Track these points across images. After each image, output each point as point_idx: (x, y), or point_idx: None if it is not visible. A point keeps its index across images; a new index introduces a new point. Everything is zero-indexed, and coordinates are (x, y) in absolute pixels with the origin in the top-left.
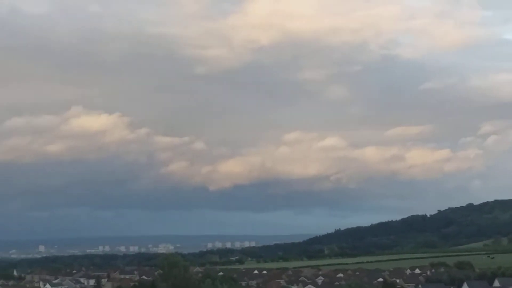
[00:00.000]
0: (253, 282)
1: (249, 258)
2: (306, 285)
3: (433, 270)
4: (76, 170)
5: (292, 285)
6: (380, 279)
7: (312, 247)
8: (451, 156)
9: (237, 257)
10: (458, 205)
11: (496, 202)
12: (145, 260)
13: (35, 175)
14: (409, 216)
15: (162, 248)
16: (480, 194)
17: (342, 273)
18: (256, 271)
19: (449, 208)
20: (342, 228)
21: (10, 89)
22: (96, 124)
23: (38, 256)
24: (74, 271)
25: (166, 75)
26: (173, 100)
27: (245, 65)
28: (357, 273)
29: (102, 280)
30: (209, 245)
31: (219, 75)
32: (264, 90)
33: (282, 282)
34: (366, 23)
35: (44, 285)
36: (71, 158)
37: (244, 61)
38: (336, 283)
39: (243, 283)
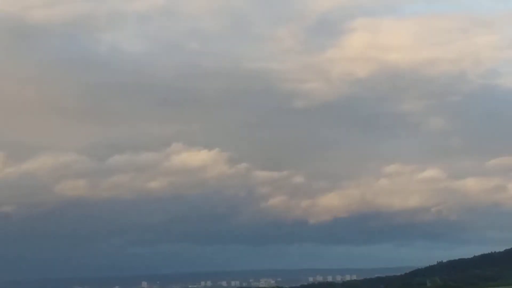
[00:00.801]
0: None
1: None
2: None
3: None
4: (177, 206)
5: None
6: None
7: (414, 280)
8: None
9: None
10: None
11: None
12: None
13: (137, 212)
14: None
15: (263, 283)
16: None
17: None
18: None
19: None
20: (444, 260)
21: (111, 127)
22: (196, 160)
23: None
24: None
25: (264, 109)
26: (272, 134)
27: (343, 98)
28: None
29: None
30: (310, 279)
31: (317, 108)
32: (362, 123)
33: None
34: (464, 53)
35: None
36: (172, 194)
37: (342, 94)
38: None
39: None
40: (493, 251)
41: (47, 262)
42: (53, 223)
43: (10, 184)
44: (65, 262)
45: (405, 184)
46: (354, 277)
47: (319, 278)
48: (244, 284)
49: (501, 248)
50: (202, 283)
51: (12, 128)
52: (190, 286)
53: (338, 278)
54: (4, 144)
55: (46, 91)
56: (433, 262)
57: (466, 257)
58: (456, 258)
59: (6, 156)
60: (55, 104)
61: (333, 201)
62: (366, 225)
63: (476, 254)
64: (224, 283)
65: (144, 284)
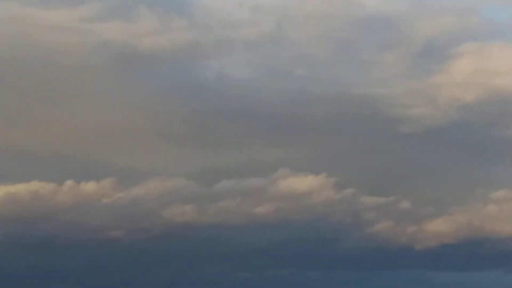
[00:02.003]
0: None
1: None
2: None
3: None
4: (283, 231)
5: None
6: None
7: None
8: None
9: None
10: None
11: None
12: None
13: (243, 236)
14: None
15: None
16: None
17: None
18: None
19: None
20: None
21: (218, 153)
22: (302, 185)
23: None
24: None
25: (371, 135)
26: (378, 159)
27: (450, 123)
28: None
29: None
30: None
31: (424, 133)
32: (470, 148)
33: None
34: None
35: None
36: (278, 219)
37: (449, 119)
38: None
39: None
40: None
41: (155, 287)
42: (161, 248)
43: (119, 209)
44: (173, 286)
45: None
46: None
47: None
48: None
49: None
50: None
51: (122, 154)
52: None
53: None
54: (114, 170)
55: (155, 118)
56: None
57: None
58: None
59: (116, 181)
60: (164, 130)
61: (440, 227)
62: (474, 251)
63: None
64: None
65: None
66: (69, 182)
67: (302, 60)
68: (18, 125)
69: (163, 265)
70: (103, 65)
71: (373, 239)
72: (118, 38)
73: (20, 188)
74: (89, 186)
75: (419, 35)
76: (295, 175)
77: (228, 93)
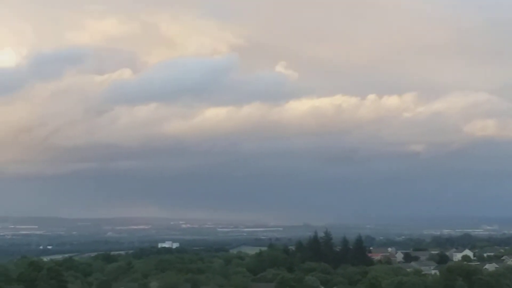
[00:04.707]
0: None
1: None
2: None
3: None
4: None
5: None
6: None
7: None
8: None
9: None
10: None
11: None
12: None
13: None
14: None
15: None
16: None
17: None
18: None
19: None
20: None
21: None
22: None
23: None
24: None
25: None
26: None
27: None
28: None
29: None
30: None
31: None
32: None
33: None
34: None
35: None
36: None
37: None
38: None
39: None
40: None
41: (454, 199)
42: (461, 162)
43: (420, 123)
44: (473, 201)
45: None
46: None
47: None
48: None
49: None
50: None
51: (423, 68)
52: None
53: None
54: (415, 84)
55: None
56: None
57: None
58: None
59: (416, 96)
60: (464, 45)
61: None
62: None
63: None
64: None
65: None
66: (371, 96)
67: None
68: (325, 40)
69: (462, 180)
70: None
71: None
72: None
73: (324, 102)
74: (391, 100)
75: None
76: None
77: None
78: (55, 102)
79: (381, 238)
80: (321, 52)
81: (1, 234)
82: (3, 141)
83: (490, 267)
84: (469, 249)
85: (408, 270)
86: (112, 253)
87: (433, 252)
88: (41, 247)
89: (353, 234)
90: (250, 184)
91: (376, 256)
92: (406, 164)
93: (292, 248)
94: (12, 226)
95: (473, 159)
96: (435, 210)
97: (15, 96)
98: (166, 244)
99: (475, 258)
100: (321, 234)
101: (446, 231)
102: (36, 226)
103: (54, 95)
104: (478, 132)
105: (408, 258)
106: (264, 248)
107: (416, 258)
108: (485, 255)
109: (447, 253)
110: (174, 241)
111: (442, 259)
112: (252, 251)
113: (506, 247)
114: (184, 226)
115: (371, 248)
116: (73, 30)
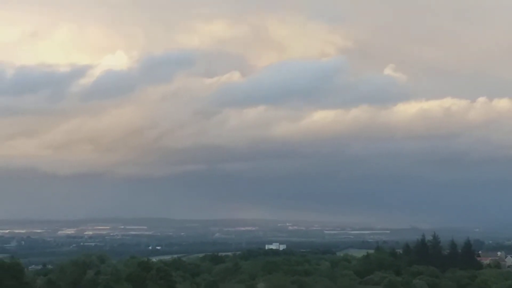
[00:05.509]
0: None
1: None
2: None
3: None
4: None
5: None
6: None
7: None
8: None
9: None
10: None
11: None
12: None
13: None
14: None
15: None
16: None
17: None
18: None
19: None
20: None
21: None
22: None
23: None
24: None
25: None
26: None
27: None
28: None
29: None
30: None
31: None
32: None
33: None
34: None
35: None
36: None
37: None
38: None
39: None
40: None
41: None
42: None
43: None
44: None
45: None
46: None
47: None
48: None
49: None
50: None
51: None
52: None
53: None
54: None
55: None
56: None
57: None
58: None
59: None
60: None
61: None
62: None
63: None
64: None
65: None
66: (481, 99)
67: None
68: (434, 42)
69: None
70: None
71: None
72: None
73: (433, 105)
74: (502, 103)
75: None
76: None
77: None
78: (165, 105)
79: (490, 242)
80: (430, 54)
81: (112, 234)
82: (114, 143)
83: None
84: None
85: None
86: (220, 254)
87: None
88: (150, 247)
89: (461, 237)
90: (357, 186)
91: (485, 260)
92: None
93: (400, 251)
94: (122, 227)
95: None
96: None
97: (126, 98)
98: (273, 246)
99: None
100: (429, 237)
101: None
102: (146, 227)
103: (164, 97)
104: None
105: None
106: (371, 251)
107: None
108: None
109: None
110: (281, 242)
111: None
112: (359, 253)
113: None
114: (291, 228)
115: (480, 252)
116: (183, 33)
